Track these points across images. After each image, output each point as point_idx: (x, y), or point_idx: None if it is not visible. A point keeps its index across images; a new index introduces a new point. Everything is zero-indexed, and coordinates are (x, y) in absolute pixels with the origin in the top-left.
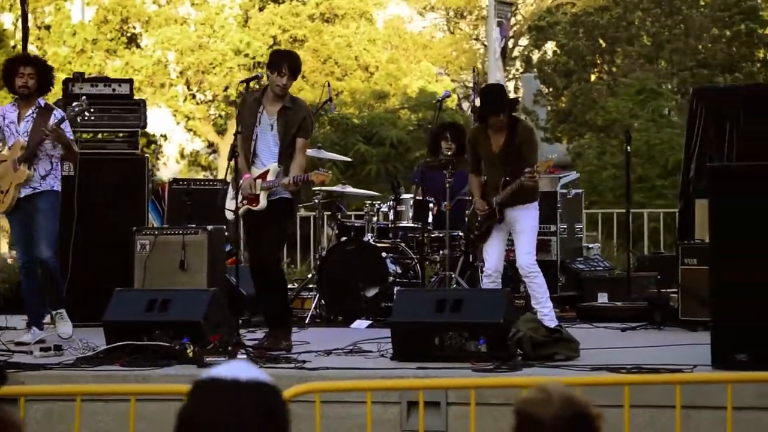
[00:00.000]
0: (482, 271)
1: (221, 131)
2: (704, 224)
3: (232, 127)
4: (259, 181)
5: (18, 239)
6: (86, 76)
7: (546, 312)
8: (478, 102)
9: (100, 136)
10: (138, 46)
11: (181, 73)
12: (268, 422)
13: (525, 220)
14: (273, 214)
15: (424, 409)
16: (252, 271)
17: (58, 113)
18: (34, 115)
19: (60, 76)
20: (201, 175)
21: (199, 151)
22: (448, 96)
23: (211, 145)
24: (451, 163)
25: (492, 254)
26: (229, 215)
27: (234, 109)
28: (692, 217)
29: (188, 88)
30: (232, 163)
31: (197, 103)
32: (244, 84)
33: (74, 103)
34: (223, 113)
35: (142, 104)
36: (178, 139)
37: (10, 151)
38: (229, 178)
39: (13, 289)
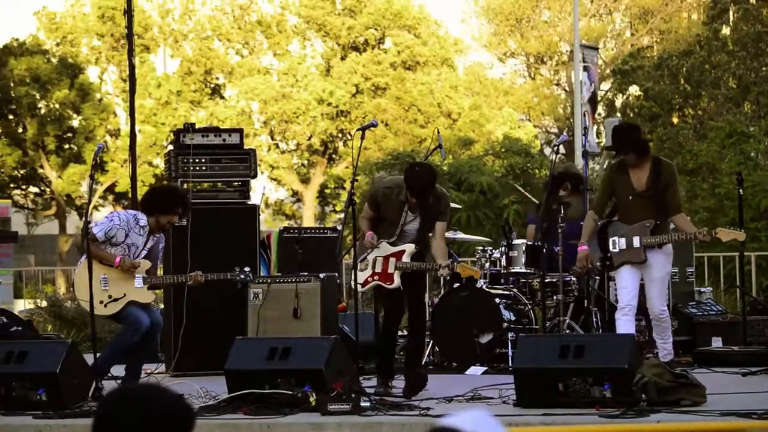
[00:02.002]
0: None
1: (305, 180)
2: None
3: (315, 176)
4: (393, 259)
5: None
6: (197, 127)
7: (668, 348)
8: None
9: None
10: (222, 97)
11: (264, 122)
12: None
13: (664, 266)
14: (411, 284)
15: None
16: (390, 323)
17: (162, 241)
18: (151, 243)
19: (146, 129)
20: (285, 224)
21: (283, 200)
22: (566, 140)
23: (295, 193)
24: (566, 208)
25: (626, 288)
26: (359, 288)
27: (319, 157)
28: None
29: (272, 137)
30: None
31: (281, 152)
32: (360, 131)
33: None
34: (306, 162)
35: (252, 154)
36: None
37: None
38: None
39: None
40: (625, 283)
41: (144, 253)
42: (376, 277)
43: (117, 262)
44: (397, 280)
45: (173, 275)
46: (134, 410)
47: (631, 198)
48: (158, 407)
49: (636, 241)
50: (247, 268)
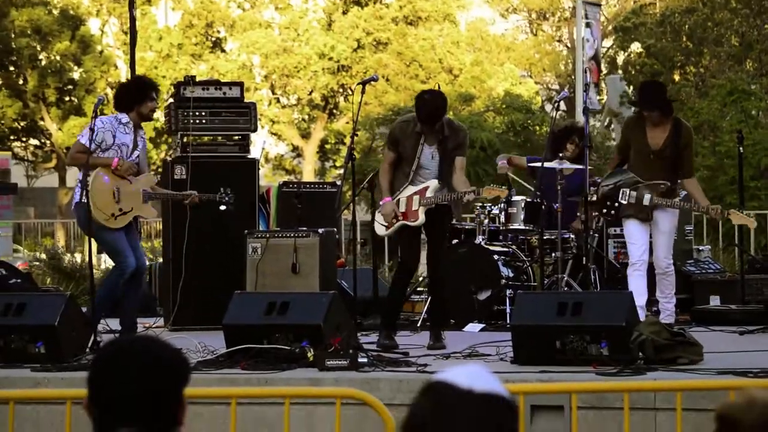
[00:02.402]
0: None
1: (305, 135)
2: None
3: (316, 131)
4: (417, 196)
5: (122, 244)
6: (197, 80)
7: (670, 308)
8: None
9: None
10: (223, 50)
11: (265, 77)
12: None
13: (670, 221)
14: (435, 223)
15: (547, 412)
16: (405, 274)
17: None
18: (141, 144)
19: None
20: (285, 179)
21: (283, 154)
22: (567, 96)
23: (295, 148)
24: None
25: (637, 244)
26: (381, 231)
27: (320, 112)
28: None
29: (273, 91)
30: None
31: (282, 107)
32: (361, 86)
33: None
34: (307, 117)
35: (252, 107)
36: (260, 141)
37: (138, 180)
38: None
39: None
40: (634, 239)
41: (136, 153)
42: (400, 217)
43: (115, 163)
44: (421, 216)
45: (172, 192)
46: (130, 362)
47: (645, 156)
48: (154, 359)
49: (647, 199)
50: (228, 192)
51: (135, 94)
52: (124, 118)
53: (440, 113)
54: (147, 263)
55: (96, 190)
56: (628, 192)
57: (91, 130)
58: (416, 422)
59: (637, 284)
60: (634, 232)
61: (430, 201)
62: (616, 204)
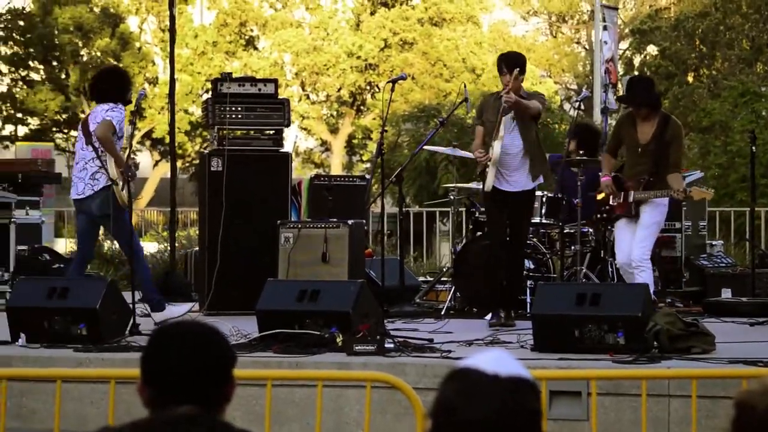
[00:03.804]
0: (612, 265)
1: (334, 130)
2: None
3: (344, 126)
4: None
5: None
6: (233, 76)
7: None
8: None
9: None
10: (255, 48)
11: (296, 74)
12: (528, 418)
13: (652, 214)
14: (527, 203)
15: (566, 397)
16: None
17: None
18: None
19: (183, 77)
20: (314, 172)
21: (312, 149)
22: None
23: (324, 143)
24: (583, 162)
25: (622, 248)
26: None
27: (347, 108)
28: None
29: (303, 88)
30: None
31: (311, 103)
32: (390, 84)
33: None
34: (335, 113)
35: (286, 103)
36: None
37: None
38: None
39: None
40: (618, 241)
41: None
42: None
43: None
44: (490, 178)
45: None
46: (185, 342)
47: (635, 150)
48: (206, 340)
49: (630, 196)
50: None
51: (123, 84)
52: (120, 106)
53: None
54: None
55: (117, 175)
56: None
57: (132, 123)
58: (445, 406)
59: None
60: (619, 233)
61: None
62: (607, 207)
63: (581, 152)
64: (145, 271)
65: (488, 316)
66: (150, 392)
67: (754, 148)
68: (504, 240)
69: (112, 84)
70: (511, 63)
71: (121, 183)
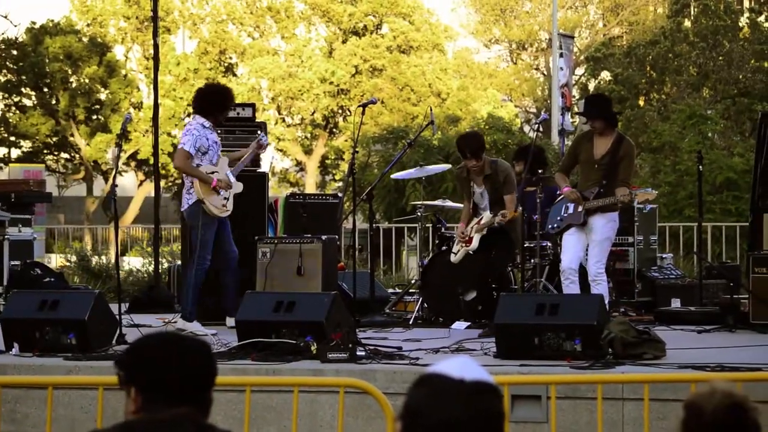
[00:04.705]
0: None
1: (308, 151)
2: None
3: (317, 148)
4: (475, 226)
5: (210, 243)
6: None
7: None
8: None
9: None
10: (234, 75)
11: (272, 99)
12: (491, 420)
13: (602, 230)
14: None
15: (526, 401)
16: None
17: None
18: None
19: (166, 102)
20: (290, 190)
21: (288, 169)
22: (545, 119)
23: (299, 163)
24: (541, 180)
25: (567, 253)
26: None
27: (321, 131)
28: (760, 230)
29: (279, 112)
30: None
31: (287, 126)
32: (361, 108)
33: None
34: (309, 135)
35: (263, 126)
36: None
37: (220, 166)
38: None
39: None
40: (564, 247)
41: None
42: (462, 245)
43: (214, 183)
44: (475, 242)
45: (245, 154)
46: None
47: (590, 164)
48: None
49: (580, 206)
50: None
51: (220, 104)
52: (206, 122)
53: (472, 148)
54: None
55: (205, 190)
56: (568, 205)
57: (118, 145)
58: (414, 410)
59: (569, 291)
60: (565, 239)
61: (481, 226)
62: (559, 218)
63: (540, 171)
64: (189, 284)
65: (454, 325)
66: (142, 397)
67: (701, 167)
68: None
69: (202, 100)
70: (474, 148)
71: (207, 199)
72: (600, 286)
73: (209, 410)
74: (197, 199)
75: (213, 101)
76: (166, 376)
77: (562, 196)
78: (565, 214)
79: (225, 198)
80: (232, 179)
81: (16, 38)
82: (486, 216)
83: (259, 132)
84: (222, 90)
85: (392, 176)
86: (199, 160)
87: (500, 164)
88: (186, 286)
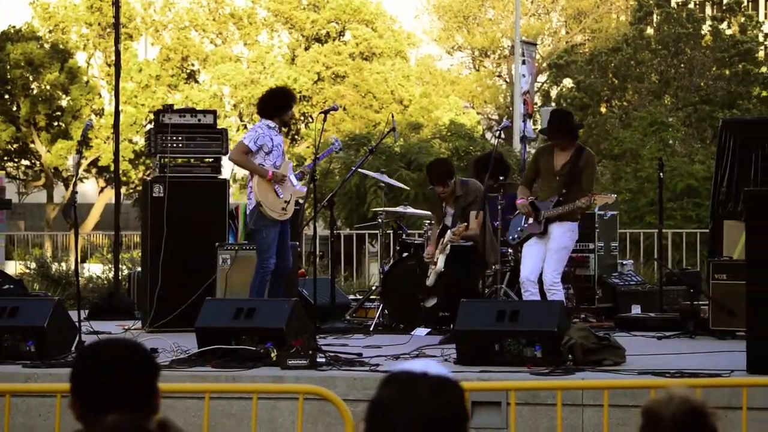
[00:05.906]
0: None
1: None
2: (732, 243)
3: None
4: (440, 247)
5: (272, 246)
6: (174, 108)
7: None
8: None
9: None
10: (196, 82)
11: (234, 105)
12: (455, 415)
13: (560, 239)
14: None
15: (486, 407)
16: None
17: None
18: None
19: (128, 109)
20: None
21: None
22: (507, 126)
23: None
24: (503, 187)
25: (526, 264)
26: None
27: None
28: (720, 237)
29: (241, 119)
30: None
31: None
32: (323, 115)
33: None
34: None
35: (224, 133)
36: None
37: (283, 168)
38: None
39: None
40: (524, 259)
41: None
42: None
43: (269, 176)
44: (440, 264)
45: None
46: (112, 354)
47: (551, 176)
48: (132, 352)
49: (541, 215)
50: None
51: (280, 104)
52: (271, 123)
53: (441, 174)
54: (290, 264)
55: (263, 192)
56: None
57: (78, 152)
58: (380, 407)
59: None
60: (526, 250)
61: (445, 245)
62: (519, 229)
63: (502, 178)
64: (252, 291)
65: (415, 331)
66: (80, 404)
67: (662, 174)
68: None
69: (264, 103)
70: (440, 175)
71: (265, 202)
72: (555, 296)
73: (155, 414)
74: (256, 202)
75: (274, 102)
76: (98, 381)
77: None
78: (525, 225)
79: (285, 201)
80: (295, 182)
81: None
82: (447, 235)
83: (332, 136)
84: (281, 91)
85: (360, 171)
86: (262, 159)
87: (471, 184)
88: (250, 294)
